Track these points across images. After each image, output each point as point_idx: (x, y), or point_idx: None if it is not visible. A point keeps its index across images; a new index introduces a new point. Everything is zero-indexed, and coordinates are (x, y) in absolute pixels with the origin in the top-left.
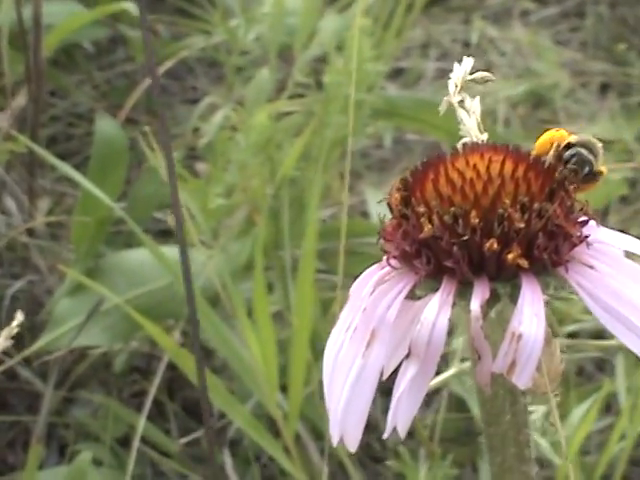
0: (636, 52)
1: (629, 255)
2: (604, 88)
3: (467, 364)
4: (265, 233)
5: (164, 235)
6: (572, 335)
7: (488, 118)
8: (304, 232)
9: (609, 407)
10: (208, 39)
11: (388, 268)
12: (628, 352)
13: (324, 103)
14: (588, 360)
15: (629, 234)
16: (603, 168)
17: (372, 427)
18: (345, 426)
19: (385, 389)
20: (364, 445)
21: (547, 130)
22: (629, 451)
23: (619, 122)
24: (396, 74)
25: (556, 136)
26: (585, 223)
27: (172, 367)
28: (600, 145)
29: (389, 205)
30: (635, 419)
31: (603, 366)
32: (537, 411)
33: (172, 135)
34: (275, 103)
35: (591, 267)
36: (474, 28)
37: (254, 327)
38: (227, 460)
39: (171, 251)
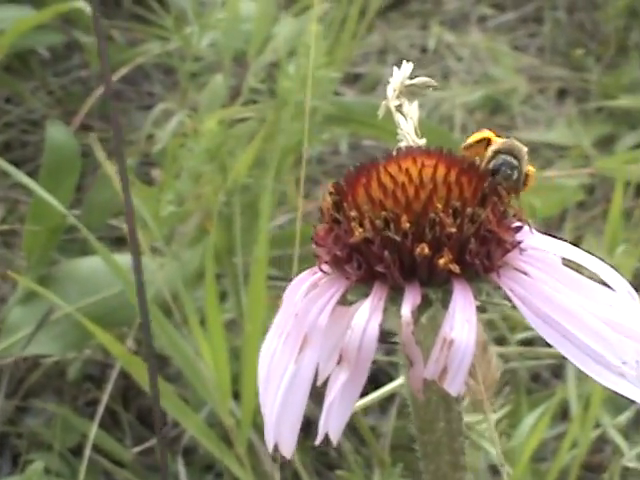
0: (594, 58)
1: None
2: (562, 94)
3: None
4: (218, 240)
5: (119, 242)
6: (526, 342)
7: (445, 124)
8: (257, 239)
9: (565, 413)
10: (164, 45)
11: (320, 273)
12: None
13: (277, 109)
14: (543, 367)
15: (585, 240)
16: (530, 170)
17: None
18: (279, 432)
19: None
20: (319, 453)
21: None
22: (582, 457)
23: (576, 128)
24: (354, 79)
25: (483, 138)
26: (518, 229)
27: (127, 376)
28: (525, 150)
29: (321, 210)
30: (587, 425)
31: (559, 372)
32: (487, 420)
33: (127, 141)
34: (227, 109)
35: (524, 273)
36: (432, 34)
37: (206, 335)
38: (181, 469)
39: (124, 259)
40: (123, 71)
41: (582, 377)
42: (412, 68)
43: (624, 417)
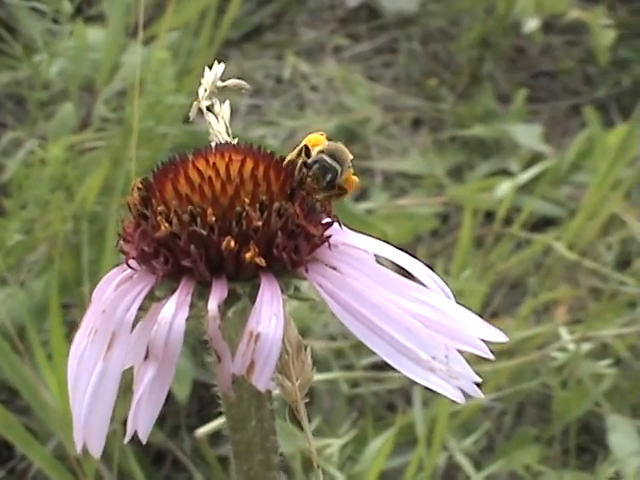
0: (447, 87)
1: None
2: (416, 123)
3: None
4: (66, 269)
5: None
6: (376, 367)
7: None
8: (106, 268)
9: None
10: (13, 74)
11: (129, 270)
12: None
13: (123, 136)
14: (397, 395)
15: (437, 267)
16: (352, 177)
17: None
18: (88, 432)
19: None
20: None
21: None
22: None
23: (430, 157)
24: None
25: (313, 141)
26: (328, 225)
27: None
28: (350, 157)
29: (128, 205)
30: (432, 448)
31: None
32: (334, 444)
33: None
34: (75, 136)
35: (334, 268)
36: (287, 64)
37: (52, 366)
38: None
39: None
40: None
41: (429, 401)
42: (266, 96)
43: (469, 441)
